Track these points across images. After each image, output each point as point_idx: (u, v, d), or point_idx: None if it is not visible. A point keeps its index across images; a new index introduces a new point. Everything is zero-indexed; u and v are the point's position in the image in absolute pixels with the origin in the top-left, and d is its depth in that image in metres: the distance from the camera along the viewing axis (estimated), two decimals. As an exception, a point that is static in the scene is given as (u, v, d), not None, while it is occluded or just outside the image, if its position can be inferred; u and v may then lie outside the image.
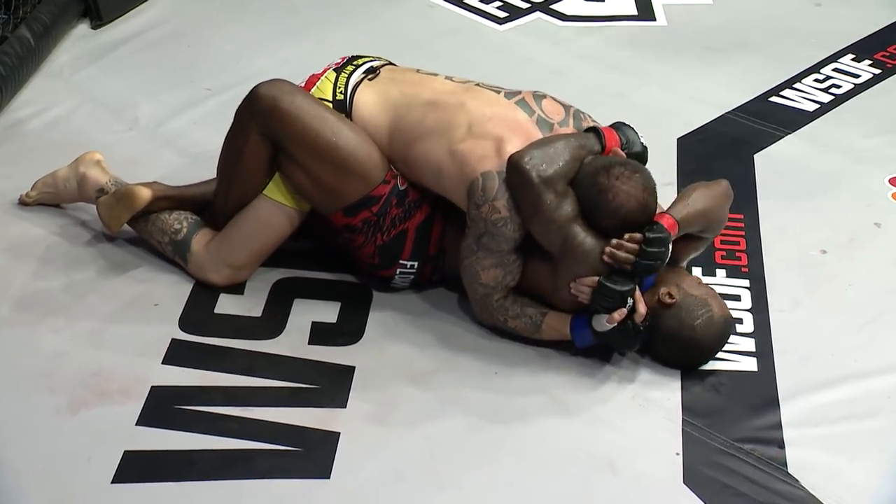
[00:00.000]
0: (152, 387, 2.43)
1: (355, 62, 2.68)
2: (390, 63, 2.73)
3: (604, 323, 2.40)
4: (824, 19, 4.05)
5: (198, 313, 2.66)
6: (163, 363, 2.51)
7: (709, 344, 2.49)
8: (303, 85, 2.65)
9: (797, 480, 2.30)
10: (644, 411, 2.44)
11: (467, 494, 2.24)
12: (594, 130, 2.50)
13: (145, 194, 2.67)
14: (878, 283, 2.84)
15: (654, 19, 4.11)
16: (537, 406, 2.44)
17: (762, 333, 2.66)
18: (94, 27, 3.84)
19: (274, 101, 2.54)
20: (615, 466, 2.31)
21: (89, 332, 2.58)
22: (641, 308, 2.40)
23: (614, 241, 2.38)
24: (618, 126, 2.54)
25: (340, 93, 2.61)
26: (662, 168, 2.83)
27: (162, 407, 2.39)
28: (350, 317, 2.68)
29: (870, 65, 3.82)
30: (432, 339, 2.62)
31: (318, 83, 2.64)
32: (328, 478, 2.25)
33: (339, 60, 2.70)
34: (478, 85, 2.59)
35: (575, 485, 2.28)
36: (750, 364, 2.58)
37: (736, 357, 2.59)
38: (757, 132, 3.45)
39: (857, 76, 3.76)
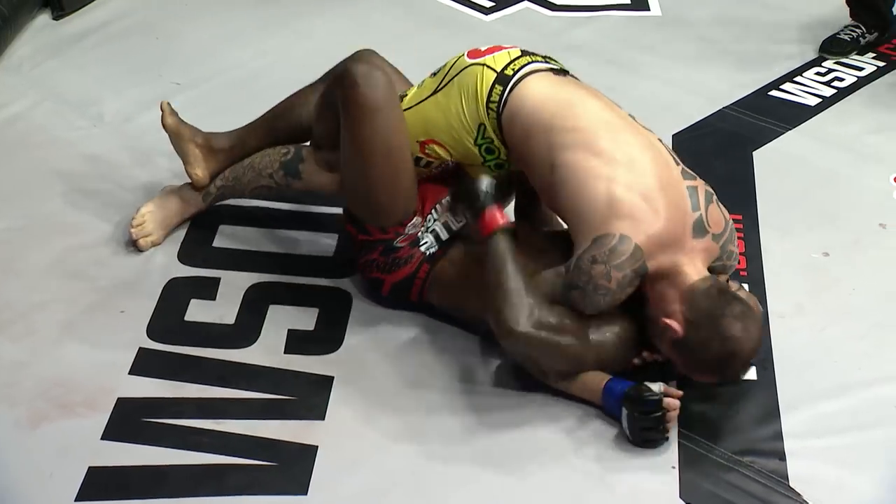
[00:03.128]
0: (118, 398, 2.42)
1: (550, 60, 2.62)
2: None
3: (637, 432, 2.37)
4: (827, 9, 4.07)
5: (166, 321, 2.65)
6: (129, 373, 2.50)
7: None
8: (483, 49, 2.60)
9: (799, 494, 2.30)
10: (638, 422, 2.45)
11: (452, 511, 2.24)
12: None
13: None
14: (883, 287, 2.85)
15: (648, 9, 4.12)
16: (525, 418, 2.44)
17: (762, 340, 2.66)
18: (56, 18, 3.83)
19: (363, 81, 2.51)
20: (608, 481, 2.31)
21: (51, 342, 2.57)
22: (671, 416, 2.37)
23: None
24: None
25: (512, 70, 2.53)
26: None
27: (129, 420, 2.38)
28: (328, 324, 2.67)
29: (874, 57, 3.83)
30: (415, 347, 2.62)
31: (497, 52, 2.58)
32: (305, 494, 2.25)
33: (537, 56, 2.62)
34: (660, 141, 2.52)
35: (566, 499, 2.28)
36: (749, 372, 2.59)
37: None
38: (756, 128, 3.46)
39: (861, 69, 3.77)
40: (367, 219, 2.62)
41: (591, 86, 2.61)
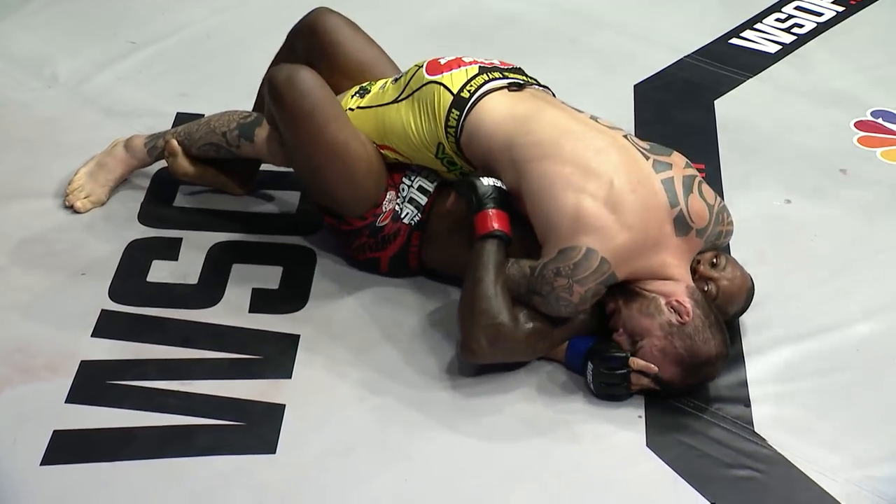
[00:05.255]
0: (82, 361, 2.41)
1: (509, 74, 2.55)
2: (547, 88, 2.60)
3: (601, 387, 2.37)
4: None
5: (129, 282, 2.63)
6: (92, 336, 2.48)
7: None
8: (442, 62, 2.55)
9: (764, 439, 2.33)
10: (604, 373, 2.46)
11: (418, 465, 2.25)
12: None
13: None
14: (844, 233, 2.88)
15: (608, -42, 4.10)
16: (492, 373, 2.44)
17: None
18: (6, -23, 3.75)
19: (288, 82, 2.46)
20: (575, 432, 2.33)
21: (11, 306, 2.54)
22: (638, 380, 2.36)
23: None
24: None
25: (468, 91, 2.48)
26: (619, 117, 2.83)
27: (93, 383, 2.37)
28: (293, 282, 2.66)
29: (832, 2, 3.84)
30: (380, 303, 2.61)
31: (454, 70, 2.52)
32: (273, 453, 2.25)
33: (497, 63, 2.58)
34: (626, 138, 2.45)
35: (533, 450, 2.29)
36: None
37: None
38: (717, 76, 3.46)
39: (820, 14, 3.78)
40: (339, 212, 2.59)
41: (548, 95, 2.57)
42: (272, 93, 2.49)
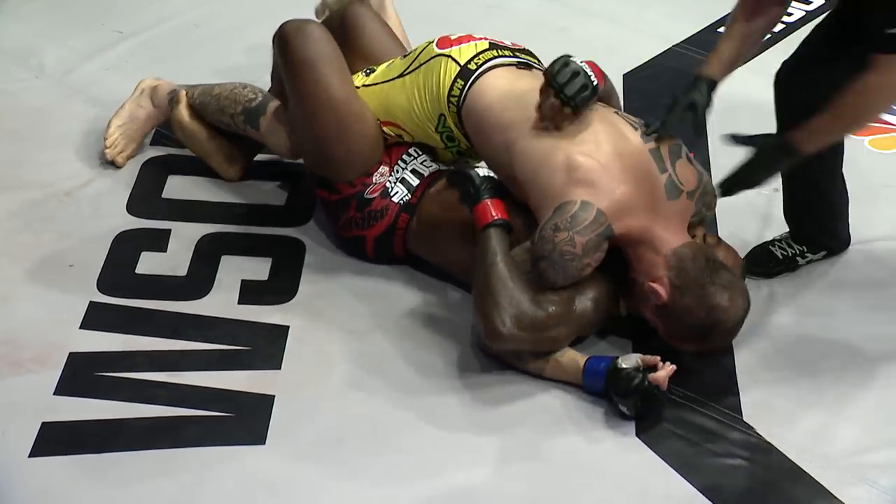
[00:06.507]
0: (70, 353, 2.40)
1: (519, 54, 2.59)
2: None
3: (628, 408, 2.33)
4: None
5: (117, 273, 2.62)
6: (81, 328, 2.47)
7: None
8: (453, 38, 2.59)
9: (752, 428, 2.33)
10: (594, 363, 2.46)
11: (408, 457, 2.25)
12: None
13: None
14: (833, 221, 2.88)
15: (597, -53, 4.09)
16: (482, 363, 2.44)
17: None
18: (-9, -33, 3.74)
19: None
20: (565, 421, 2.33)
21: (-1, 298, 2.54)
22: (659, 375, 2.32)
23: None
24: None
25: (476, 64, 2.53)
26: (608, 106, 2.83)
27: (81, 374, 2.36)
28: (282, 273, 2.66)
29: (822, -9, 3.84)
30: (369, 294, 2.61)
31: (464, 44, 2.57)
32: (263, 444, 2.25)
33: (508, 44, 2.61)
34: (616, 112, 2.48)
35: (523, 441, 2.29)
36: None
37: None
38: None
39: (810, 2, 3.78)
40: (330, 175, 2.60)
41: None
42: (280, 40, 2.58)
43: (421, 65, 2.58)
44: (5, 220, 2.75)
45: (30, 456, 2.19)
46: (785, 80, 2.42)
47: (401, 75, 2.61)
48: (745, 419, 2.35)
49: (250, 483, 2.18)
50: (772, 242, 2.71)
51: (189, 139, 2.87)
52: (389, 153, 2.64)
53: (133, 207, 2.82)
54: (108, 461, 2.19)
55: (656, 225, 2.35)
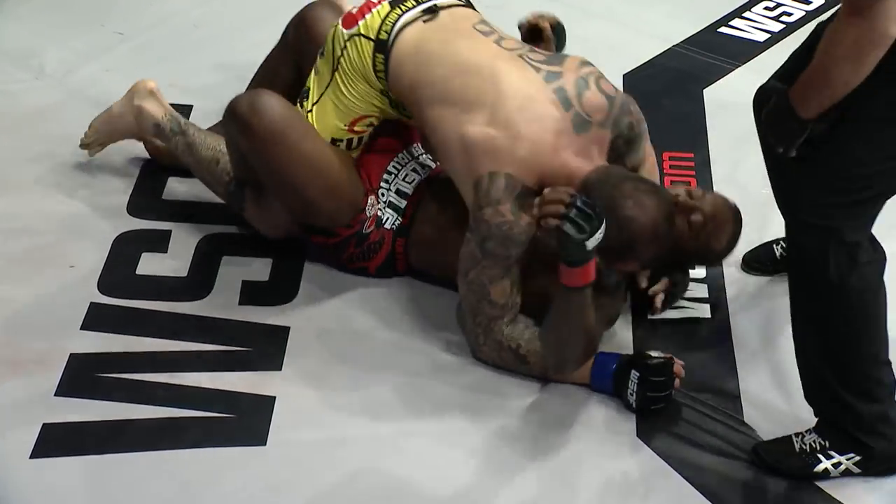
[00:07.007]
0: (71, 354, 2.40)
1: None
2: (460, 5, 2.56)
3: (629, 400, 2.35)
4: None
5: (118, 275, 2.62)
6: (81, 329, 2.47)
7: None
8: (355, 11, 2.52)
9: (753, 430, 2.34)
10: (595, 363, 2.47)
11: (410, 458, 2.25)
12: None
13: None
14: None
15: (596, -53, 4.09)
16: (483, 364, 2.44)
17: (715, 279, 2.69)
18: (-8, -33, 3.74)
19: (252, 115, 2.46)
20: (566, 423, 2.33)
21: None
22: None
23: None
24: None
25: (385, 32, 2.46)
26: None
27: (82, 375, 2.36)
28: (283, 274, 2.66)
29: (822, -9, 3.84)
30: (370, 296, 2.61)
31: (366, 16, 2.49)
32: (264, 445, 2.25)
33: (408, 1, 2.52)
34: (521, 57, 2.43)
35: (524, 442, 2.29)
36: (703, 311, 2.62)
37: (689, 304, 2.62)
38: (706, 65, 3.47)
39: (809, 2, 3.78)
40: (327, 226, 2.58)
41: (464, 18, 2.51)
42: (239, 124, 2.47)
43: (339, 57, 2.50)
44: (6, 221, 2.75)
45: (31, 457, 2.19)
46: (760, 99, 2.38)
47: (331, 78, 2.52)
48: (745, 419, 2.35)
49: (251, 484, 2.18)
50: (772, 242, 2.72)
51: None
52: (369, 177, 2.60)
53: (133, 208, 2.82)
54: (109, 462, 2.19)
55: (570, 161, 2.34)
